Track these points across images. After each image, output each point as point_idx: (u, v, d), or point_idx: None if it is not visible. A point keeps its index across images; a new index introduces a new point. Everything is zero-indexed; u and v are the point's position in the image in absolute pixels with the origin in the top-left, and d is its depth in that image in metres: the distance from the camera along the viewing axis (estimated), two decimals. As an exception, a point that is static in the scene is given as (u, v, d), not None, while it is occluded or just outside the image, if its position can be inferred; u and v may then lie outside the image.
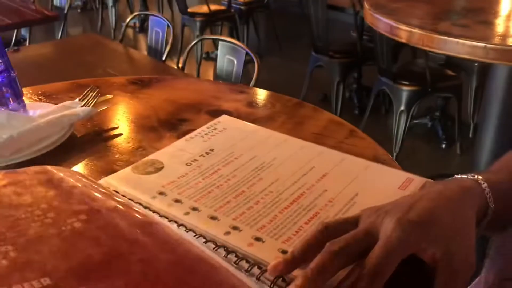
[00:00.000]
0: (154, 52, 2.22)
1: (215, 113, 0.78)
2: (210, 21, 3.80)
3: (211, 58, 4.01)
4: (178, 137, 0.70)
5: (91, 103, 0.77)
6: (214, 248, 0.46)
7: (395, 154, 2.30)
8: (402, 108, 2.30)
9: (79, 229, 0.42)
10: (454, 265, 0.41)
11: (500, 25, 1.35)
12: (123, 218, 0.45)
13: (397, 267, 0.39)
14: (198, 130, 0.70)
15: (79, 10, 5.67)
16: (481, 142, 1.64)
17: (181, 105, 0.84)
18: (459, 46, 1.14)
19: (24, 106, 0.75)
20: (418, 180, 0.56)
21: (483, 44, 1.12)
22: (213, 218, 0.51)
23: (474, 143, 1.92)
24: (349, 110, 3.01)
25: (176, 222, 0.50)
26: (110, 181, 0.57)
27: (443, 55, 2.54)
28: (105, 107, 0.80)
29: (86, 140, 0.73)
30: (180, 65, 2.29)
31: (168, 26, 2.16)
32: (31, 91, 0.88)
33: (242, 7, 3.98)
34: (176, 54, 3.33)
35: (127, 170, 0.60)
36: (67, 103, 0.75)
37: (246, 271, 0.44)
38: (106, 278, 0.37)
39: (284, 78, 3.45)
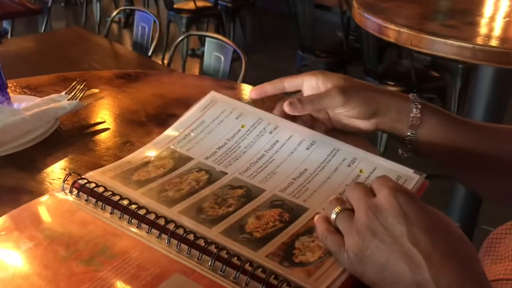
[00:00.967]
0: (140, 47, 2.20)
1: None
2: (196, 18, 3.78)
3: (196, 54, 3.99)
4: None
5: (78, 96, 0.76)
6: (205, 245, 0.46)
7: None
8: (387, 108, 2.31)
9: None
10: None
11: (487, 27, 1.37)
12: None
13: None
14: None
15: (62, 4, 5.58)
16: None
17: (170, 100, 0.83)
18: (447, 47, 1.15)
19: (8, 98, 0.73)
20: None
21: (471, 45, 1.13)
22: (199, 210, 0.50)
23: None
24: (334, 109, 3.01)
25: (163, 216, 0.49)
26: (95, 176, 0.56)
27: (429, 55, 2.56)
28: (92, 101, 0.78)
29: (72, 134, 0.71)
30: (165, 61, 2.27)
31: (154, 21, 2.14)
32: (15, 84, 0.86)
33: (229, 5, 3.96)
34: (162, 50, 3.30)
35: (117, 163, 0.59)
36: (53, 96, 0.74)
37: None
38: None
39: (270, 77, 3.44)
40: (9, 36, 2.68)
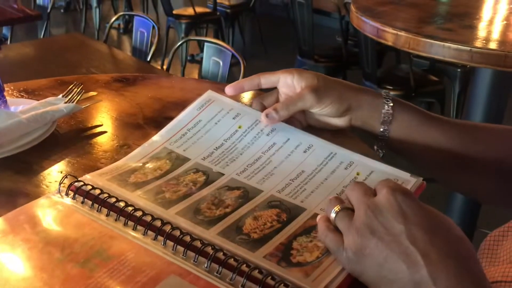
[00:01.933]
0: (139, 52, 2.20)
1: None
2: (196, 24, 3.79)
3: (195, 60, 4.00)
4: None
5: (75, 99, 0.76)
6: (201, 247, 0.45)
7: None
8: (386, 112, 2.31)
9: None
10: None
11: (485, 30, 1.37)
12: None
13: None
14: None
15: (62, 11, 5.60)
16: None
17: (167, 103, 0.83)
18: (445, 50, 1.15)
19: (5, 101, 0.73)
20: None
21: (468, 48, 1.13)
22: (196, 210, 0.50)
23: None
24: (333, 114, 3.01)
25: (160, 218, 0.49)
26: (92, 178, 0.56)
27: (427, 60, 2.57)
28: (90, 104, 0.78)
29: (69, 137, 0.71)
30: (164, 67, 2.27)
31: (153, 26, 2.14)
32: (12, 88, 0.86)
33: (228, 10, 3.98)
34: (161, 55, 3.31)
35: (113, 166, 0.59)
36: (50, 99, 0.73)
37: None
38: None
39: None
40: (8, 42, 2.69)
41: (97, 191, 0.52)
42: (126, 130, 0.73)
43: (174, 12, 3.71)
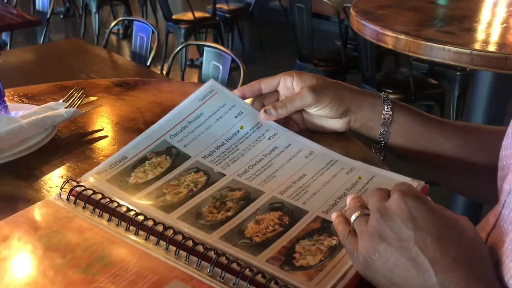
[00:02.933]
0: (138, 57, 2.20)
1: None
2: (195, 28, 3.79)
3: (195, 65, 4.00)
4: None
5: (76, 104, 0.75)
6: (204, 251, 0.45)
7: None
8: (386, 115, 2.31)
9: None
10: None
11: (484, 33, 1.37)
12: None
13: None
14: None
15: (61, 16, 5.61)
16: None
17: (168, 107, 0.82)
18: (445, 53, 1.15)
19: (6, 106, 0.73)
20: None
21: (468, 51, 1.13)
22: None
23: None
24: (333, 117, 3.01)
25: (163, 223, 0.49)
26: (91, 178, 0.55)
27: (426, 63, 2.57)
28: (90, 109, 0.78)
29: (70, 142, 0.71)
30: (164, 72, 2.27)
31: (153, 31, 2.14)
32: (12, 93, 0.86)
33: (227, 15, 3.98)
34: (160, 60, 3.31)
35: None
36: (50, 104, 0.73)
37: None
38: None
39: (269, 86, 3.44)
40: (8, 47, 2.69)
41: (99, 196, 0.52)
42: (126, 134, 0.73)
43: (173, 17, 3.71)
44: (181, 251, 0.46)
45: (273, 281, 0.42)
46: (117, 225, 0.49)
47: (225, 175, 0.56)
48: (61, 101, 0.76)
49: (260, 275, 0.43)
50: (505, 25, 1.44)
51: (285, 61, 3.57)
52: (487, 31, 1.40)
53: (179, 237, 0.47)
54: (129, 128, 0.75)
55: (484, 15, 1.61)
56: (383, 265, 0.41)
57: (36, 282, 0.43)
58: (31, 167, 0.63)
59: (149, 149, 0.60)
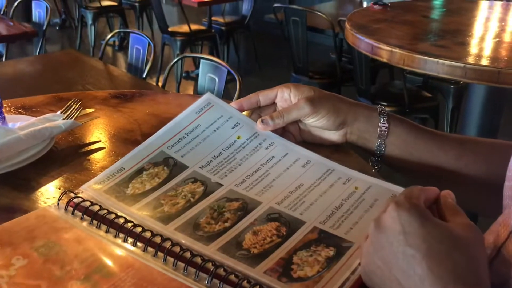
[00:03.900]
0: (134, 69, 2.21)
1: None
2: (191, 41, 3.81)
3: (191, 77, 4.02)
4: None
5: (73, 115, 0.76)
6: (201, 263, 0.45)
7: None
8: (381, 128, 2.32)
9: None
10: None
11: (478, 47, 1.39)
12: None
13: None
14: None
15: (57, 28, 5.62)
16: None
17: (165, 119, 0.82)
18: (439, 66, 1.17)
19: (3, 118, 0.73)
20: None
21: (462, 64, 1.14)
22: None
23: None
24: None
25: (161, 235, 0.49)
26: (89, 190, 0.55)
27: (420, 76, 2.59)
28: (87, 120, 0.78)
29: (67, 154, 0.71)
30: (160, 83, 2.28)
31: (149, 43, 2.15)
32: (10, 104, 0.86)
33: (223, 28, 4.01)
34: (156, 72, 3.32)
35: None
36: (48, 115, 0.73)
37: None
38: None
39: (264, 98, 3.45)
40: (3, 59, 2.69)
41: (96, 207, 0.52)
42: (124, 146, 0.73)
43: (169, 29, 3.73)
44: (179, 263, 0.46)
45: (271, 293, 0.42)
46: (115, 236, 0.49)
47: (222, 185, 0.57)
48: (58, 112, 0.77)
49: (258, 286, 0.43)
50: (497, 39, 1.46)
51: (281, 73, 3.59)
52: (480, 45, 1.41)
53: (177, 249, 0.47)
54: (127, 140, 0.75)
55: (477, 29, 1.63)
56: (376, 276, 0.42)
57: (34, 293, 0.43)
58: (28, 178, 0.63)
59: (146, 160, 0.60)
